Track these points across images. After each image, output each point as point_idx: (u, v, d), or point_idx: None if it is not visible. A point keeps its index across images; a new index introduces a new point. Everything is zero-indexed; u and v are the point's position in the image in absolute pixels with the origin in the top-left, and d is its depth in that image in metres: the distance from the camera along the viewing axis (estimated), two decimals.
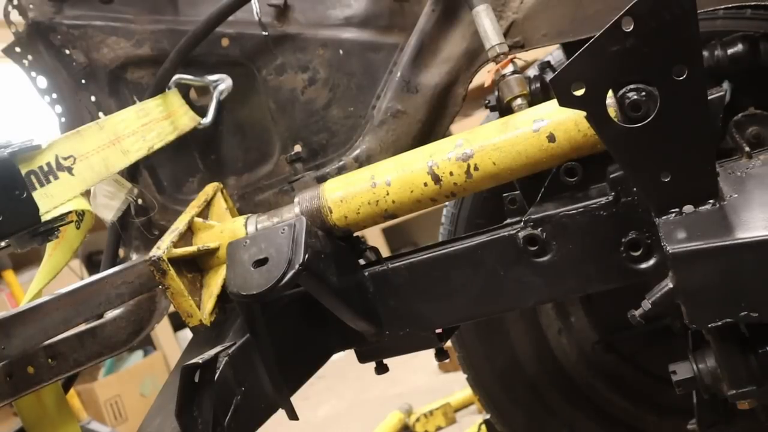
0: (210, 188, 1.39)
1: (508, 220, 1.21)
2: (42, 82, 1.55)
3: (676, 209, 0.94)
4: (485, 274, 1.16)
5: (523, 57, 1.30)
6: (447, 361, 1.40)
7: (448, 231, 1.76)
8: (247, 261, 1.09)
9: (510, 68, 1.22)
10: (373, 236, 5.77)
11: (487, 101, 1.32)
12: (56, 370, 1.32)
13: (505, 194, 1.29)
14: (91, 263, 4.21)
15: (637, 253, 1.07)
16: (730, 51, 1.30)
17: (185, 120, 1.45)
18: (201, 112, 1.49)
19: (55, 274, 1.33)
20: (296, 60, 1.42)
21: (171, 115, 1.43)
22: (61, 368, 1.33)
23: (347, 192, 1.22)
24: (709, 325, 0.88)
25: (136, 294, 1.30)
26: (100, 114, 1.53)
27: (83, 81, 1.55)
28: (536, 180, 1.16)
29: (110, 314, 1.45)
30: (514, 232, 1.14)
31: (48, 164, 1.11)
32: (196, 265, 1.27)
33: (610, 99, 0.92)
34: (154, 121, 1.38)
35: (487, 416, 1.92)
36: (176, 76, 1.46)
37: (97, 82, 1.55)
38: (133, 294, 1.29)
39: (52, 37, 1.52)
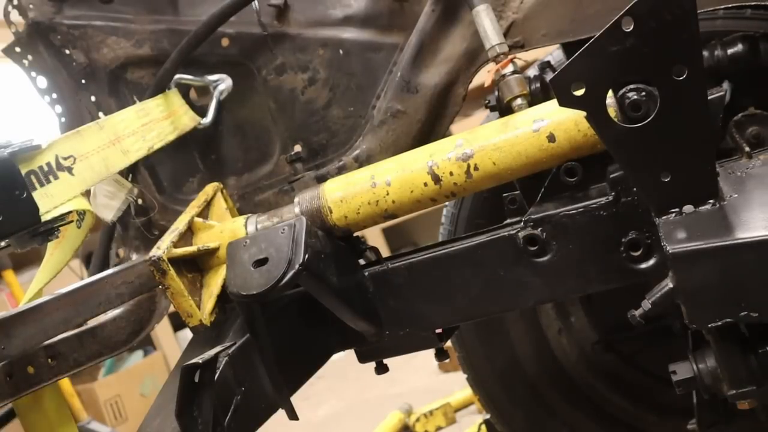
0: (210, 188, 1.39)
1: (508, 220, 1.21)
2: (42, 82, 1.55)
3: (676, 209, 0.94)
4: (485, 274, 1.16)
5: (523, 57, 1.30)
6: (447, 361, 1.40)
7: (448, 231, 1.76)
8: (247, 261, 1.09)
9: (510, 68, 1.22)
10: (373, 236, 5.77)
11: (487, 101, 1.32)
12: (56, 370, 1.32)
13: (505, 194, 1.29)
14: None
15: (637, 253, 1.07)
16: (730, 51, 1.30)
17: (185, 120, 1.45)
18: (201, 112, 1.49)
19: (55, 274, 1.33)
20: (296, 60, 1.42)
21: (171, 115, 1.43)
22: (61, 368, 1.33)
23: (347, 192, 1.22)
24: (709, 325, 0.88)
25: (136, 294, 1.30)
26: (100, 114, 1.53)
27: (83, 81, 1.55)
28: (536, 180, 1.16)
29: (110, 314, 1.45)
30: (514, 232, 1.14)
31: (48, 164, 1.11)
32: (196, 265, 1.27)
33: (610, 99, 0.92)
34: (154, 121, 1.38)
35: (487, 416, 1.92)
36: (176, 76, 1.46)
37: (97, 82, 1.55)
38: (133, 294, 1.28)
39: (52, 37, 1.52)
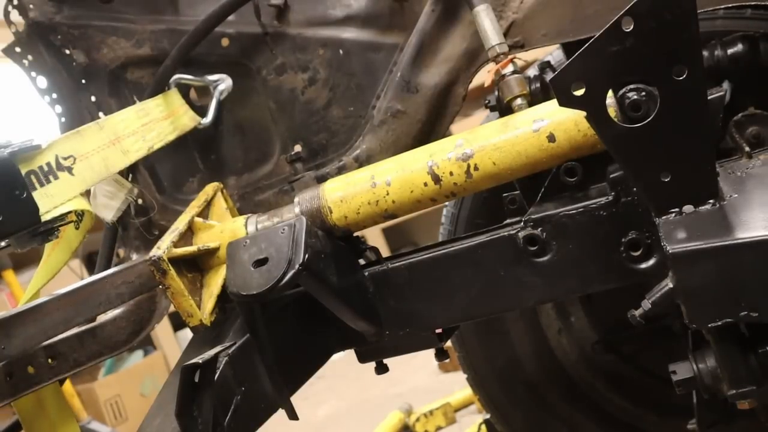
0: (210, 188, 1.39)
1: (508, 220, 1.21)
2: (42, 82, 1.55)
3: (676, 209, 0.94)
4: (485, 274, 1.16)
5: (523, 57, 1.29)
6: (447, 361, 1.40)
7: (448, 231, 1.76)
8: (247, 261, 1.09)
9: (510, 68, 1.22)
10: (374, 236, 5.77)
11: (487, 101, 1.32)
12: (56, 370, 1.32)
13: (505, 194, 1.29)
14: (91, 263, 4.20)
15: (637, 253, 1.07)
16: (730, 51, 1.30)
17: (185, 120, 1.45)
18: (201, 112, 1.49)
19: (54, 274, 1.33)
20: (296, 60, 1.42)
21: (171, 115, 1.43)
22: (61, 368, 1.33)
23: (347, 192, 1.22)
24: (709, 325, 0.88)
25: (137, 294, 1.29)
26: (100, 114, 1.53)
27: (83, 81, 1.55)
28: (536, 180, 1.16)
29: (110, 314, 1.45)
30: (514, 232, 1.14)
31: (48, 164, 1.11)
32: (196, 265, 1.27)
33: (610, 99, 0.92)
34: (154, 121, 1.38)
35: (487, 416, 1.92)
36: (176, 76, 1.46)
37: (97, 82, 1.55)
38: (133, 294, 1.28)
39: (52, 37, 1.52)
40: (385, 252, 5.65)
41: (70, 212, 1.14)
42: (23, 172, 1.06)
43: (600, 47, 0.89)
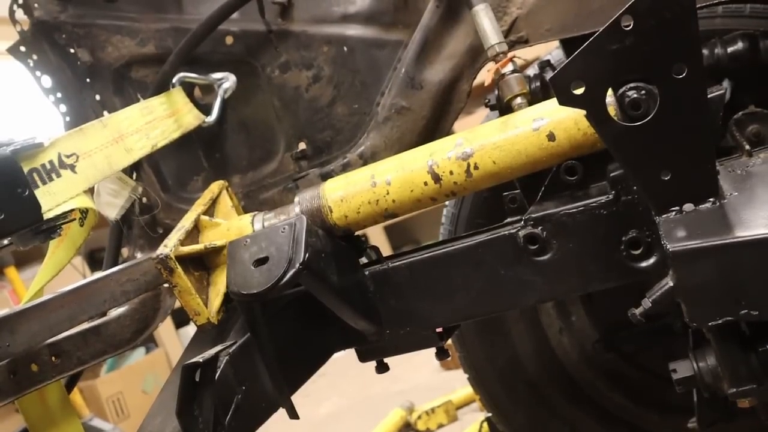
0: (215, 186, 1.40)
1: (509, 219, 1.21)
2: (47, 81, 1.55)
3: (677, 208, 0.94)
4: (485, 273, 1.16)
5: (523, 56, 1.30)
6: (448, 359, 1.41)
7: (449, 231, 1.76)
8: (248, 260, 1.09)
9: (510, 67, 1.22)
10: (375, 234, 5.78)
11: (487, 100, 1.32)
12: (60, 368, 1.33)
13: (505, 193, 1.29)
14: (94, 260, 4.22)
15: (638, 252, 1.07)
16: (729, 49, 1.30)
17: (189, 118, 1.46)
18: (205, 110, 1.49)
19: (57, 272, 1.33)
20: (300, 57, 1.42)
21: (175, 113, 1.43)
22: (64, 366, 1.33)
23: (347, 191, 1.22)
24: (710, 324, 0.88)
25: (142, 292, 1.30)
26: (105, 113, 1.54)
27: (88, 80, 1.55)
28: (536, 179, 1.17)
29: (114, 312, 1.45)
30: (515, 231, 1.14)
31: (51, 162, 1.11)
32: (203, 263, 1.27)
33: (609, 97, 0.92)
34: (157, 119, 1.39)
35: (489, 414, 1.92)
36: (180, 74, 1.46)
37: (101, 80, 1.55)
38: (138, 292, 1.29)
39: (56, 36, 1.53)
40: (386, 249, 5.63)
41: (72, 210, 1.14)
42: (26, 170, 1.07)
43: (600, 46, 0.89)
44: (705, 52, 1.31)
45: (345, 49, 1.41)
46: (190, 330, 4.14)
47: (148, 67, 1.52)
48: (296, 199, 1.27)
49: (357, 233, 1.30)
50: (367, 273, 1.24)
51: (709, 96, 0.91)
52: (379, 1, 1.39)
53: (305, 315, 1.28)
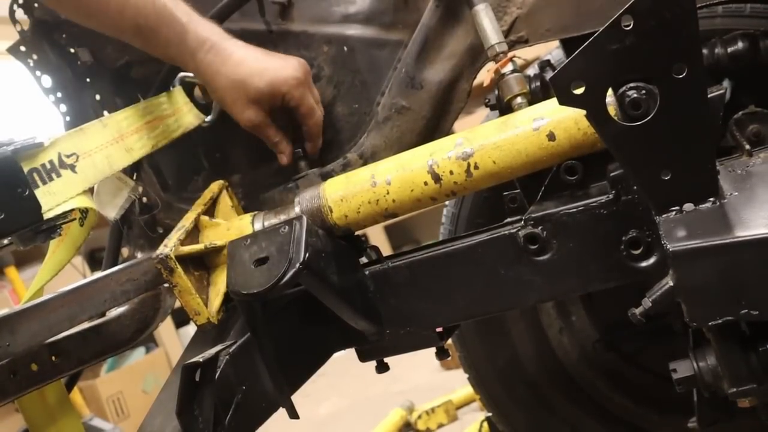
0: (215, 186, 1.40)
1: (509, 219, 1.21)
2: (47, 80, 1.55)
3: (677, 207, 0.94)
4: (485, 272, 1.16)
5: (523, 56, 1.30)
6: (448, 359, 1.41)
7: (449, 231, 1.76)
8: (248, 260, 1.10)
9: (510, 67, 1.22)
10: (376, 233, 5.78)
11: (487, 100, 1.32)
12: (60, 368, 1.33)
13: (505, 193, 1.29)
14: (94, 260, 4.22)
15: (638, 252, 1.07)
16: (730, 49, 1.29)
17: (189, 118, 1.46)
18: (205, 109, 1.49)
19: (57, 272, 1.33)
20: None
21: (175, 112, 1.43)
22: (64, 366, 1.33)
23: (347, 191, 1.22)
24: (710, 324, 0.88)
25: (142, 291, 1.30)
26: (105, 113, 1.54)
27: (88, 80, 1.55)
28: (536, 179, 1.17)
29: (114, 312, 1.45)
30: (515, 230, 1.14)
31: (51, 162, 1.11)
32: (203, 263, 1.27)
33: (609, 97, 0.92)
34: (158, 119, 1.39)
35: (489, 414, 1.92)
36: (181, 74, 1.46)
37: (101, 80, 1.56)
38: (138, 291, 1.29)
39: (57, 36, 1.53)
40: (387, 249, 5.63)
41: (72, 210, 1.14)
42: (26, 169, 1.06)
43: (600, 45, 0.89)
44: (705, 51, 1.31)
45: (345, 48, 1.41)
46: (190, 330, 4.14)
47: (149, 67, 1.52)
48: (296, 199, 1.27)
49: (357, 233, 1.30)
50: (367, 273, 1.24)
51: (709, 96, 0.91)
52: (379, 1, 1.39)
53: (305, 315, 1.28)
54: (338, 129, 1.43)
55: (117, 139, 1.27)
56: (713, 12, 1.41)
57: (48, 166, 1.10)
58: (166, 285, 1.25)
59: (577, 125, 1.08)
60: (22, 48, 1.53)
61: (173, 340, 4.86)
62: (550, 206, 1.12)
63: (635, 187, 1.05)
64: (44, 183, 1.09)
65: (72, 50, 1.53)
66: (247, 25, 1.44)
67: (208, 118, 1.48)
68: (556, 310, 1.80)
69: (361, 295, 1.22)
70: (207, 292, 1.25)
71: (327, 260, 1.13)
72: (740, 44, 1.29)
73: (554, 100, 1.08)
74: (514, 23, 1.30)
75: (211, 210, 1.36)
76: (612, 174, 1.07)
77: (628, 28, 0.87)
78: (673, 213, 0.94)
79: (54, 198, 1.09)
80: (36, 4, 1.50)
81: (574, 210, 1.10)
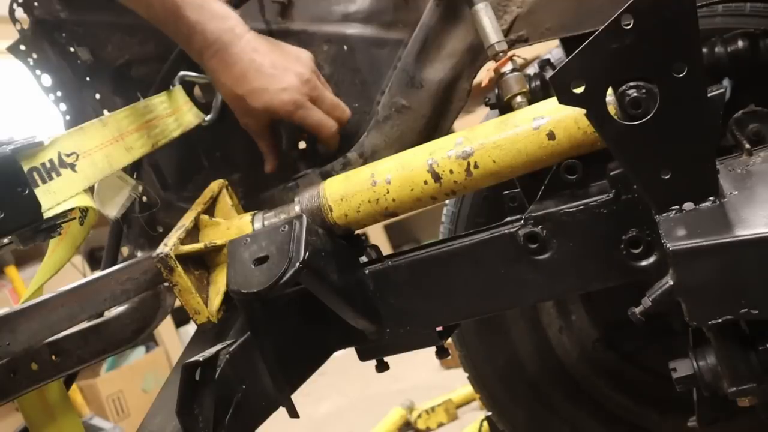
0: (215, 185, 1.40)
1: (509, 218, 1.21)
2: (46, 79, 1.55)
3: (677, 206, 0.94)
4: (485, 271, 1.16)
5: (523, 55, 1.30)
6: (448, 358, 1.41)
7: (449, 230, 1.76)
8: (248, 259, 1.10)
9: (509, 66, 1.22)
10: (376, 233, 5.78)
11: (487, 99, 1.32)
12: (60, 367, 1.33)
13: (505, 192, 1.29)
14: (93, 259, 4.22)
15: (638, 251, 1.07)
16: (730, 48, 1.29)
17: (189, 117, 1.45)
18: (205, 109, 1.49)
19: (56, 271, 1.33)
20: None
21: (175, 111, 1.43)
22: (64, 365, 1.33)
23: (347, 190, 1.22)
24: (710, 323, 0.88)
25: (142, 290, 1.30)
26: (105, 112, 1.54)
27: (88, 78, 1.55)
28: (536, 178, 1.17)
29: (114, 311, 1.45)
30: (515, 229, 1.14)
31: (50, 161, 1.11)
32: (203, 262, 1.28)
33: (609, 96, 0.92)
34: (158, 118, 1.39)
35: (489, 413, 1.92)
36: (181, 73, 1.46)
37: (101, 79, 1.55)
38: (138, 290, 1.29)
39: (56, 35, 1.53)
40: (387, 248, 5.64)
41: (72, 209, 1.14)
42: (25, 168, 1.06)
43: (599, 45, 0.89)
44: (705, 50, 1.31)
45: (345, 48, 1.41)
46: (190, 329, 4.14)
47: (149, 66, 1.52)
48: (296, 198, 1.27)
49: (357, 232, 1.30)
50: (367, 272, 1.24)
51: (709, 95, 0.91)
52: (379, 0, 1.39)
53: (305, 314, 1.28)
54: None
55: (117, 138, 1.27)
56: (713, 11, 1.41)
57: (48, 165, 1.10)
58: (166, 284, 1.25)
59: (577, 124, 1.08)
60: (22, 47, 1.53)
61: (173, 339, 4.86)
62: (550, 205, 1.12)
63: (635, 186, 1.05)
64: (44, 182, 1.09)
65: (72, 49, 1.53)
66: (247, 24, 1.44)
67: (208, 118, 1.48)
68: (556, 309, 1.80)
69: (361, 294, 1.22)
70: (207, 291, 1.25)
71: (327, 259, 1.13)
72: (740, 43, 1.29)
73: (554, 99, 1.08)
74: (514, 22, 1.30)
75: (211, 209, 1.36)
76: (612, 173, 1.07)
77: (628, 27, 0.87)
78: (673, 212, 0.94)
79: (54, 197, 1.09)
80: (36, 3, 1.50)
81: (574, 209, 1.10)
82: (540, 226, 1.12)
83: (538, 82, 1.28)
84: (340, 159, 1.40)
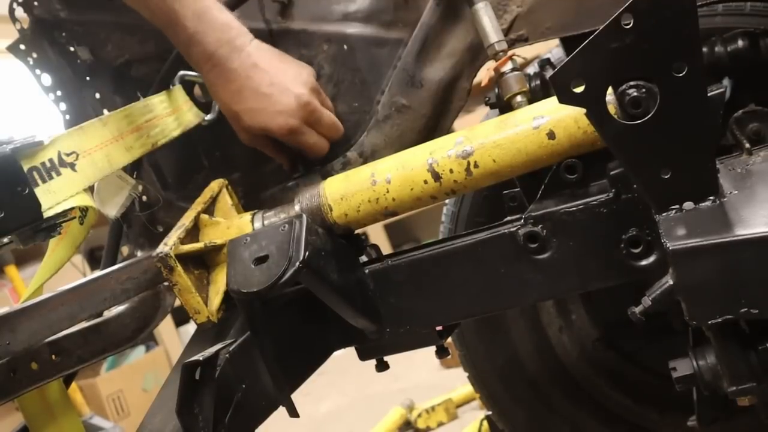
0: (215, 184, 1.40)
1: (508, 218, 1.21)
2: (46, 79, 1.55)
3: (676, 206, 0.94)
4: (485, 271, 1.16)
5: (523, 54, 1.30)
6: (449, 357, 1.41)
7: (448, 229, 1.76)
8: (248, 258, 1.10)
9: (509, 65, 1.22)
10: (376, 232, 5.78)
11: (487, 98, 1.32)
12: (60, 367, 1.33)
13: (505, 191, 1.29)
14: (93, 258, 4.22)
15: (637, 250, 1.07)
16: (730, 47, 1.29)
17: (189, 116, 1.45)
18: (205, 108, 1.49)
19: (56, 270, 1.33)
20: (300, 56, 1.42)
21: (175, 111, 1.43)
22: (64, 364, 1.33)
23: (347, 190, 1.22)
24: (709, 322, 0.88)
25: (142, 290, 1.30)
26: (105, 111, 1.54)
27: (88, 78, 1.55)
28: (536, 177, 1.17)
29: (114, 311, 1.45)
30: (515, 229, 1.14)
31: (50, 160, 1.11)
32: (202, 262, 1.27)
33: (609, 96, 0.92)
34: (158, 118, 1.38)
35: (489, 412, 1.92)
36: (181, 73, 1.46)
37: (101, 78, 1.55)
38: (138, 290, 1.29)
39: (56, 34, 1.53)
40: (387, 248, 5.64)
41: (72, 208, 1.14)
42: (25, 168, 1.06)
43: (599, 44, 0.89)
44: (705, 50, 1.31)
45: (345, 47, 1.41)
46: (190, 328, 4.14)
47: (149, 66, 1.52)
48: (296, 198, 1.27)
49: (357, 231, 1.30)
50: (367, 271, 1.24)
51: (709, 94, 0.91)
52: None
53: (305, 313, 1.28)
54: None
55: (117, 138, 1.27)
56: (713, 10, 1.41)
57: (48, 164, 1.10)
58: (165, 283, 1.25)
59: (577, 124, 1.08)
60: (22, 46, 1.53)
61: (173, 339, 4.87)
62: (550, 205, 1.12)
63: (635, 186, 1.05)
64: (44, 181, 1.09)
65: (72, 48, 1.53)
66: (247, 24, 1.43)
67: (208, 117, 1.48)
68: (555, 308, 1.80)
69: (360, 293, 1.22)
70: (207, 290, 1.25)
71: (327, 259, 1.13)
72: (740, 43, 1.29)
73: (554, 99, 1.08)
74: (514, 21, 1.30)
75: (211, 208, 1.36)
76: (612, 172, 1.07)
77: (628, 27, 0.87)
78: (673, 212, 0.94)
79: (54, 196, 1.09)
80: (36, 3, 1.50)
81: (574, 208, 1.10)
82: (540, 226, 1.12)
83: (538, 82, 1.28)
84: (340, 158, 1.40)
